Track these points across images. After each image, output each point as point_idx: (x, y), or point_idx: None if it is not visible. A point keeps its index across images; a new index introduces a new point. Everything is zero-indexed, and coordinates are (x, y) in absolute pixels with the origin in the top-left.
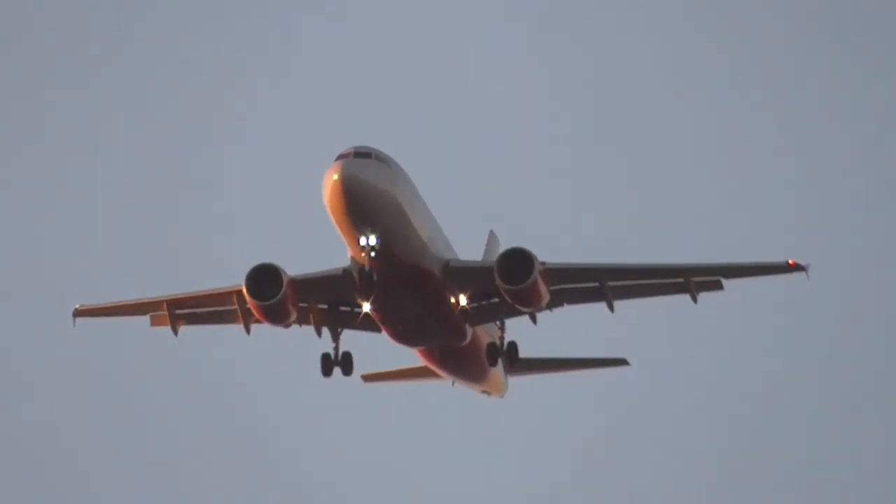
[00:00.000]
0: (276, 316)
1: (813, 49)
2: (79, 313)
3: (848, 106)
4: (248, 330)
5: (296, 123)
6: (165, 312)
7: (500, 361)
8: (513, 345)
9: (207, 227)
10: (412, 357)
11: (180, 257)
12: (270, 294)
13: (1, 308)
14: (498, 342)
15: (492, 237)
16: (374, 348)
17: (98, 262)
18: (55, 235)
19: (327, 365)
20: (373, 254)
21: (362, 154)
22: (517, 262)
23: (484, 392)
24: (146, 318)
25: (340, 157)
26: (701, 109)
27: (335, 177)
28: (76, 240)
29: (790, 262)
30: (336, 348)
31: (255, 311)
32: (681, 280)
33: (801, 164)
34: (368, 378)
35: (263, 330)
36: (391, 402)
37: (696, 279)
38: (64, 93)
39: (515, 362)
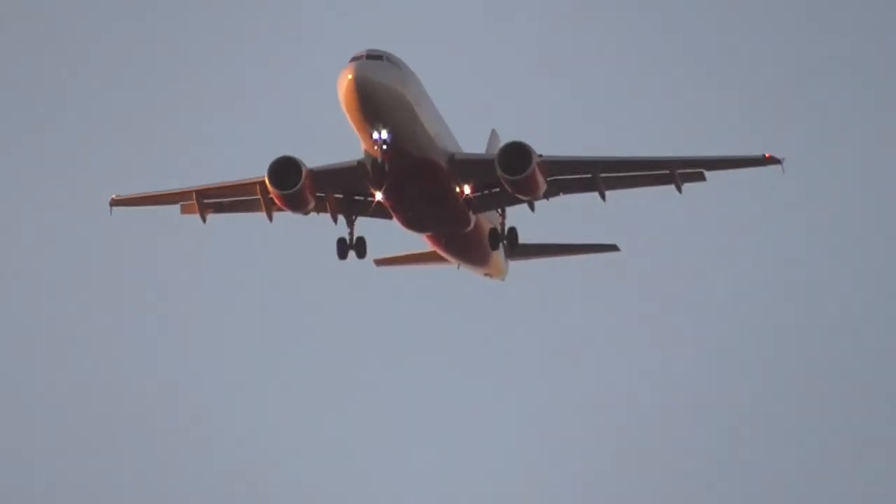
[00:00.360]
0: (296, 203)
1: None
2: (115, 203)
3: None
4: (270, 217)
5: (311, 28)
6: (194, 202)
7: (501, 246)
8: (513, 230)
9: (229, 122)
10: (421, 243)
11: (203, 152)
12: (291, 183)
13: (35, 201)
14: (499, 228)
15: (493, 136)
16: (386, 235)
17: (123, 155)
18: (83, 130)
19: (343, 248)
20: (384, 147)
21: (375, 56)
22: (516, 154)
23: (486, 275)
24: (176, 208)
25: (354, 58)
26: (687, 16)
27: (349, 77)
28: (102, 134)
29: (766, 155)
30: (351, 234)
31: (276, 200)
32: (666, 171)
33: (781, 68)
34: (381, 262)
35: (284, 217)
36: (401, 285)
37: (680, 171)
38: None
39: (515, 247)
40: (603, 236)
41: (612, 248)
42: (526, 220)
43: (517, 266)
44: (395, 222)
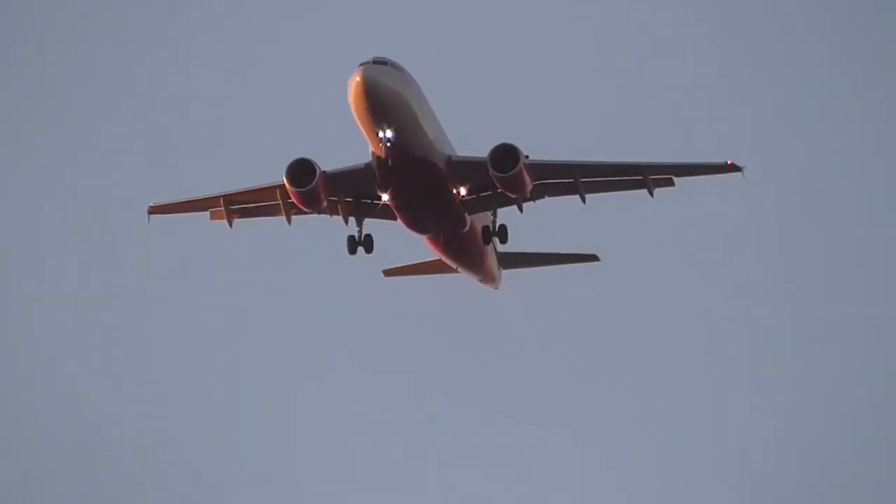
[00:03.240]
0: (311, 201)
1: None
2: (152, 210)
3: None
4: (289, 220)
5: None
6: (222, 208)
7: (494, 254)
8: (503, 227)
9: (247, 134)
10: (424, 252)
11: (225, 164)
12: (306, 182)
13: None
14: (491, 226)
15: None
16: (392, 240)
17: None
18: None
19: (352, 245)
20: (388, 145)
21: (380, 62)
22: (506, 154)
23: (482, 282)
24: (206, 215)
25: (362, 64)
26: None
27: (357, 79)
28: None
29: (728, 162)
30: (360, 232)
31: (293, 198)
32: (640, 177)
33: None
34: (389, 273)
35: (301, 220)
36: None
37: (652, 177)
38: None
39: (505, 241)
40: (583, 239)
41: (593, 258)
42: (515, 227)
43: (508, 274)
44: (398, 224)
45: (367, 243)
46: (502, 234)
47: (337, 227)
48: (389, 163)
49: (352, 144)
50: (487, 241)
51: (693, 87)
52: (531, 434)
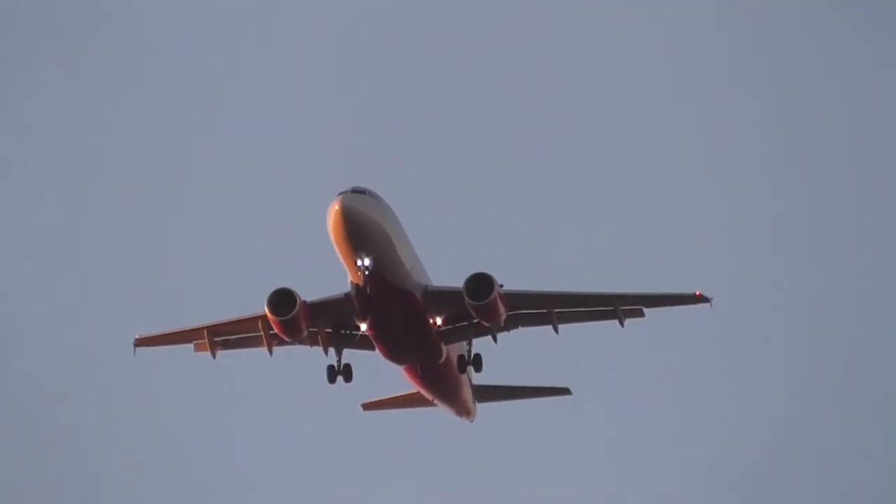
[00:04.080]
0: (292, 330)
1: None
2: (138, 343)
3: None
4: (270, 351)
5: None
6: (206, 339)
7: (470, 385)
8: (478, 356)
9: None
10: (402, 385)
11: (210, 291)
12: (287, 311)
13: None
14: (466, 355)
15: None
16: (372, 372)
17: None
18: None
19: (332, 374)
20: (367, 273)
21: (358, 191)
22: (481, 283)
23: (457, 414)
24: (190, 347)
25: (340, 193)
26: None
27: (336, 207)
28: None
29: (697, 293)
30: (339, 361)
31: (275, 327)
32: (610, 308)
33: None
34: (367, 406)
35: (282, 351)
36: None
37: (622, 308)
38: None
39: (480, 370)
40: (557, 368)
41: (565, 391)
42: (489, 357)
43: (483, 408)
44: (377, 354)
45: (347, 372)
46: (477, 363)
47: (317, 357)
48: (367, 291)
49: (332, 275)
50: (462, 369)
51: (664, 218)
52: None
